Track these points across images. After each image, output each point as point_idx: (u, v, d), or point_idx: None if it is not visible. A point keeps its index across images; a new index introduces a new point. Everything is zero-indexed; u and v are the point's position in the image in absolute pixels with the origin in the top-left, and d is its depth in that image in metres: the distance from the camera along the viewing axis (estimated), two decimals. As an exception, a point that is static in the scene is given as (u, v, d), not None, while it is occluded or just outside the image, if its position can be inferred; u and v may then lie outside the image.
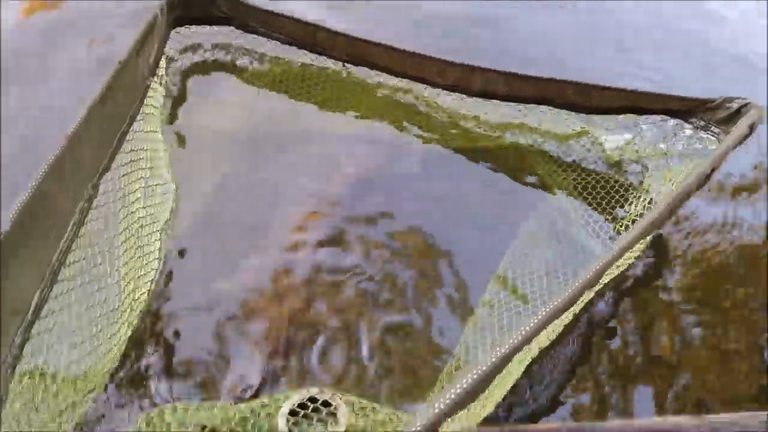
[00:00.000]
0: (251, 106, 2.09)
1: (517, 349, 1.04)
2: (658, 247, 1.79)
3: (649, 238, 1.60)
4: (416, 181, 1.89)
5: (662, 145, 1.85)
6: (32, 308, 1.11)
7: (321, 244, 1.68)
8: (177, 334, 1.49)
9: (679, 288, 1.70)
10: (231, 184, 1.85)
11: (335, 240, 1.70)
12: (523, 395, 1.40)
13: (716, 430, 0.97)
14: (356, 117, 2.07)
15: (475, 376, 0.93)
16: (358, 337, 1.49)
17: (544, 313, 1.11)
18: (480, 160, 1.97)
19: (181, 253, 1.66)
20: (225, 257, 1.66)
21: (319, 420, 1.16)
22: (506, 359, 1.02)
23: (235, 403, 1.14)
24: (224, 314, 1.53)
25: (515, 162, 1.97)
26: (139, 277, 1.47)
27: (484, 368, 0.96)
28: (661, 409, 1.40)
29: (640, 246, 1.56)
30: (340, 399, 1.15)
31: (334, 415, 1.15)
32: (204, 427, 1.08)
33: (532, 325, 1.08)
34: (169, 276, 1.61)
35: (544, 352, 1.43)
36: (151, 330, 1.49)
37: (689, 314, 1.63)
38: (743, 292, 1.71)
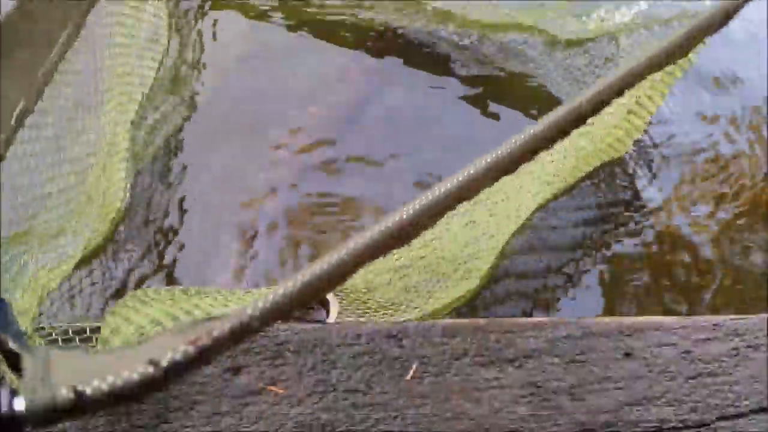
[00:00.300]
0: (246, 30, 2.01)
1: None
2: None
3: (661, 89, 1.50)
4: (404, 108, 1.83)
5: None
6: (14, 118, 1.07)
7: (307, 147, 1.66)
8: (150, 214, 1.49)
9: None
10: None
11: (325, 154, 1.68)
12: (504, 287, 1.41)
13: (716, 329, 0.99)
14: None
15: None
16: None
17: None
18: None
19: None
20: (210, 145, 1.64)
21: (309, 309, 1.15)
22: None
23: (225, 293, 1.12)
24: (207, 206, 1.52)
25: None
26: (119, 125, 1.45)
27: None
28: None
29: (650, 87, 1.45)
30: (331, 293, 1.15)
31: (326, 309, 1.16)
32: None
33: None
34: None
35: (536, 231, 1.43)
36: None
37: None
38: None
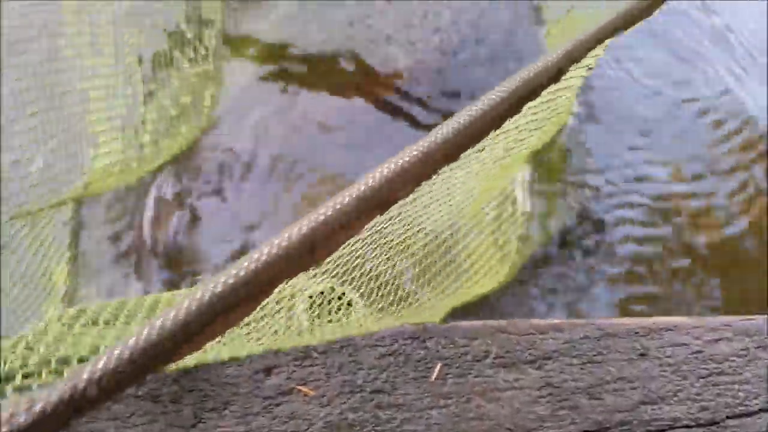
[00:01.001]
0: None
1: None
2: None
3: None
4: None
5: None
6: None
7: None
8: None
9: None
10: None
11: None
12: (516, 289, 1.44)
13: (718, 330, 1.02)
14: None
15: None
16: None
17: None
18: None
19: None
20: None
21: (335, 309, 1.17)
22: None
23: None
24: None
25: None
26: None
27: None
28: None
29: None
30: (355, 293, 1.17)
31: (349, 308, 1.18)
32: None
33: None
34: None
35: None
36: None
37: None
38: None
